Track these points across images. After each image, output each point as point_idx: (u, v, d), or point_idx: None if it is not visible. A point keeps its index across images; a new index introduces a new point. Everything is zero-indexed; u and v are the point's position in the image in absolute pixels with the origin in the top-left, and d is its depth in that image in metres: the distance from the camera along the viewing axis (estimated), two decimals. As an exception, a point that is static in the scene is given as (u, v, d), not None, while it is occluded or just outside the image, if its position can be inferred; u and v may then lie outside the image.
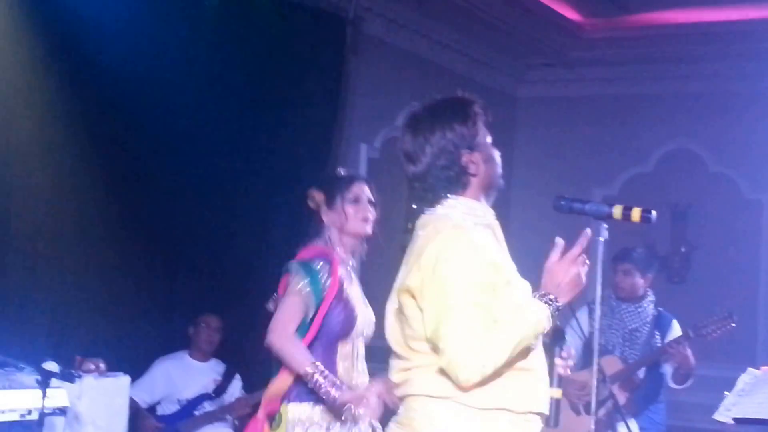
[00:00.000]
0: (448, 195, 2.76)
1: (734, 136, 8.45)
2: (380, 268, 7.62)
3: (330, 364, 3.69)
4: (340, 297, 3.79)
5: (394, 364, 2.78)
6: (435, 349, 2.64)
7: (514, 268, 2.81)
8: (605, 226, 2.80)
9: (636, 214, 2.79)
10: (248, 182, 6.52)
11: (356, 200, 3.76)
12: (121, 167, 5.83)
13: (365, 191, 3.79)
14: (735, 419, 4.16)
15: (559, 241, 2.69)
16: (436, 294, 2.62)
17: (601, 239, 2.78)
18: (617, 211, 2.80)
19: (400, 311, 2.74)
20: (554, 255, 2.68)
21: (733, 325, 5.28)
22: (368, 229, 3.77)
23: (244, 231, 6.53)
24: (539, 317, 2.62)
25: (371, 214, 3.77)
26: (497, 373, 2.62)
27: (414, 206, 9.06)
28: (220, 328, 6.01)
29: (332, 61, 7.01)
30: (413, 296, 2.68)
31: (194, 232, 6.28)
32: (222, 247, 6.40)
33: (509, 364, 2.62)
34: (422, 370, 2.69)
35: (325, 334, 3.74)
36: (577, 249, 2.67)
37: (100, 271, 5.75)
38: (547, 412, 2.76)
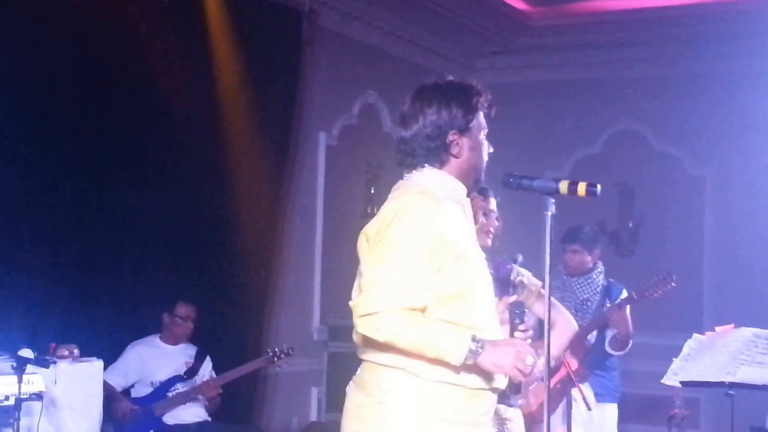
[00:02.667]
0: (426, 165, 2.84)
1: (676, 116, 8.65)
2: (340, 252, 7.92)
3: None
4: None
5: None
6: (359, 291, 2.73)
7: (476, 246, 2.88)
8: (552, 201, 2.86)
9: (581, 188, 2.85)
10: (212, 171, 6.59)
11: (485, 214, 3.71)
12: (93, 157, 5.86)
13: (491, 204, 3.73)
14: (682, 382, 4.27)
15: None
16: (380, 242, 2.70)
17: (549, 213, 2.85)
18: (563, 186, 2.85)
19: (360, 266, 2.82)
20: (524, 345, 2.74)
21: (673, 285, 5.41)
22: (489, 242, 3.69)
23: (210, 219, 6.60)
24: (452, 350, 2.65)
25: (493, 227, 3.72)
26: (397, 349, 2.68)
27: (372, 191, 9.21)
28: (195, 317, 6.05)
29: (289, 54, 7.09)
30: (368, 241, 2.78)
31: (162, 219, 6.34)
32: (190, 234, 6.47)
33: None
34: None
35: None
36: (530, 351, 2.73)
37: (72, 259, 5.79)
38: (502, 387, 2.83)
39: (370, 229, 2.80)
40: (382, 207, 2.85)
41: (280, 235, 7.29)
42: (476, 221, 3.54)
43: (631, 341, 5.40)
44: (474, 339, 2.68)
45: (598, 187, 2.86)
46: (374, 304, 2.65)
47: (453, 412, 2.76)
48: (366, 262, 2.76)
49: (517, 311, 2.87)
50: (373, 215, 9.24)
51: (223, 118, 6.64)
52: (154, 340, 6.04)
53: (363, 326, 2.67)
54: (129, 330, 6.06)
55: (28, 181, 5.57)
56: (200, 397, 5.91)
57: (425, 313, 2.73)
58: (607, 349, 5.45)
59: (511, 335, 2.84)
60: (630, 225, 8.84)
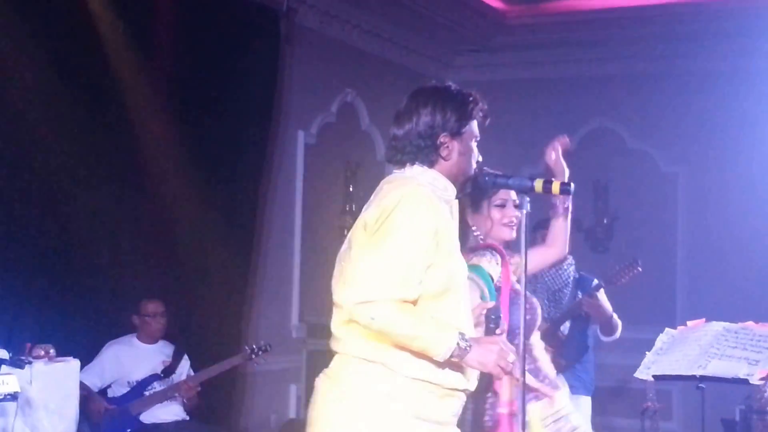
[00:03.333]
0: (416, 163, 2.88)
1: (650, 114, 8.74)
2: (319, 249, 7.95)
3: None
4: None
5: (335, 316, 2.84)
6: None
7: (458, 247, 2.92)
8: (528, 199, 2.92)
9: (556, 186, 2.92)
10: (189, 170, 6.58)
11: (503, 205, 3.64)
12: (67, 157, 5.84)
13: (511, 195, 3.64)
14: (654, 376, 4.30)
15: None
16: (380, 229, 2.72)
17: (524, 212, 2.91)
18: (538, 184, 2.91)
19: (348, 252, 2.82)
20: (507, 343, 2.80)
21: (639, 269, 5.50)
22: (512, 234, 3.62)
23: (187, 217, 6.59)
24: (440, 344, 2.69)
25: (515, 218, 3.61)
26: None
27: (350, 189, 9.21)
28: (164, 311, 6.01)
29: (268, 52, 7.11)
30: (365, 228, 2.78)
31: (139, 218, 6.34)
32: (165, 233, 6.46)
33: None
34: (357, 328, 2.75)
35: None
36: (512, 349, 2.79)
37: (47, 259, 5.78)
38: (472, 389, 2.88)
39: (369, 216, 2.80)
40: (375, 196, 2.86)
41: (259, 233, 7.31)
42: (504, 205, 3.58)
43: (618, 323, 5.44)
44: (462, 337, 2.72)
45: (572, 185, 2.94)
46: (371, 293, 2.66)
47: (425, 411, 2.79)
48: (362, 249, 2.75)
49: (493, 316, 2.91)
50: (351, 212, 9.26)
51: (200, 116, 6.63)
52: (131, 339, 6.01)
53: (358, 314, 2.69)
54: (106, 329, 6.04)
55: (2, 181, 5.54)
56: (178, 395, 5.89)
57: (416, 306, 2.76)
58: (602, 337, 5.55)
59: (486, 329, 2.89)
60: (605, 221, 8.91)
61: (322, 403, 2.84)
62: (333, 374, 2.84)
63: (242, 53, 6.80)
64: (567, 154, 3.79)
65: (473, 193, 3.53)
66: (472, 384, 2.87)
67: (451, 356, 2.72)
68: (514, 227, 3.59)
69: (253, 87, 6.94)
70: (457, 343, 2.71)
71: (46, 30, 5.65)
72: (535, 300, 3.65)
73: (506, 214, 3.60)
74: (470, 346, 2.72)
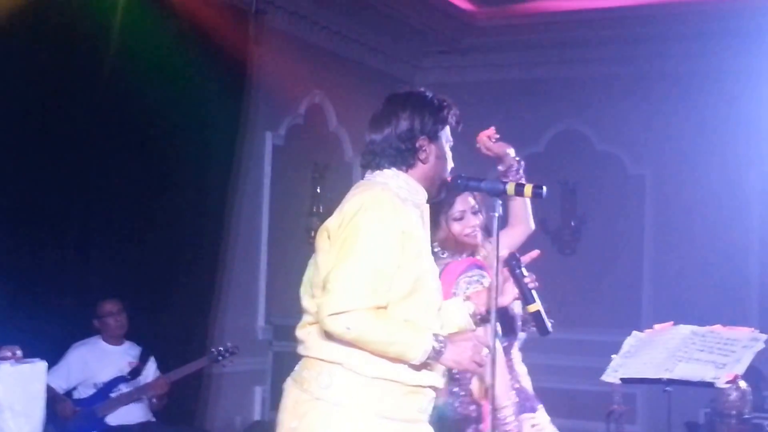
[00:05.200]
0: (392, 167, 2.91)
1: (618, 116, 8.78)
2: (286, 251, 7.91)
3: None
4: None
5: (302, 318, 2.88)
6: (324, 288, 2.74)
7: (429, 252, 2.93)
8: (500, 202, 2.92)
9: (528, 190, 2.93)
10: (157, 171, 6.56)
11: (461, 217, 3.60)
12: (35, 158, 5.81)
13: (468, 203, 3.61)
14: (622, 379, 4.28)
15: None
16: (346, 236, 2.74)
17: (496, 215, 2.91)
18: (511, 188, 2.92)
19: (315, 259, 2.86)
20: (480, 338, 2.81)
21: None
22: (477, 239, 3.60)
23: (155, 218, 6.57)
24: (416, 348, 2.71)
25: (478, 222, 3.60)
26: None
27: (318, 190, 9.21)
28: (123, 309, 5.98)
29: (236, 54, 7.06)
30: (329, 236, 2.81)
31: (106, 220, 6.30)
32: (133, 234, 6.43)
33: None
34: (318, 330, 2.79)
35: None
36: (487, 343, 2.82)
37: (14, 260, 5.74)
38: (440, 385, 2.90)
39: (332, 222, 2.83)
40: (343, 202, 2.88)
41: (225, 234, 7.27)
42: (463, 218, 3.57)
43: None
44: (437, 338, 2.75)
45: (544, 189, 2.93)
46: (343, 304, 2.69)
47: (390, 409, 2.80)
48: (330, 258, 2.77)
49: (514, 261, 2.95)
50: (318, 214, 9.27)
51: (167, 117, 6.58)
52: (97, 341, 5.99)
53: (332, 325, 2.70)
54: (72, 331, 6.00)
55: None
56: (144, 397, 5.88)
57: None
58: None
59: (519, 288, 2.95)
60: (572, 224, 8.95)
61: (290, 408, 2.86)
62: (299, 378, 2.87)
63: (211, 54, 6.76)
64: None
65: (432, 211, 3.42)
66: (437, 380, 2.88)
67: (428, 358, 2.74)
68: (477, 234, 3.59)
69: (222, 88, 6.91)
70: (432, 346, 2.73)
71: (12, 29, 5.61)
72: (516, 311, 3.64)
73: (467, 225, 3.60)
74: (444, 347, 2.75)
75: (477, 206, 3.63)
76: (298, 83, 8.08)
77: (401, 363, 2.76)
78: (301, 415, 2.81)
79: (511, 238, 3.76)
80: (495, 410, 3.45)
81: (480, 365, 2.80)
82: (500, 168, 3.77)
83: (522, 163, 3.76)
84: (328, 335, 2.75)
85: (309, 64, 8.13)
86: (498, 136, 3.78)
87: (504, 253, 2.97)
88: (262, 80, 7.54)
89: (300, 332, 2.88)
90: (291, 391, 2.88)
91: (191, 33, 6.63)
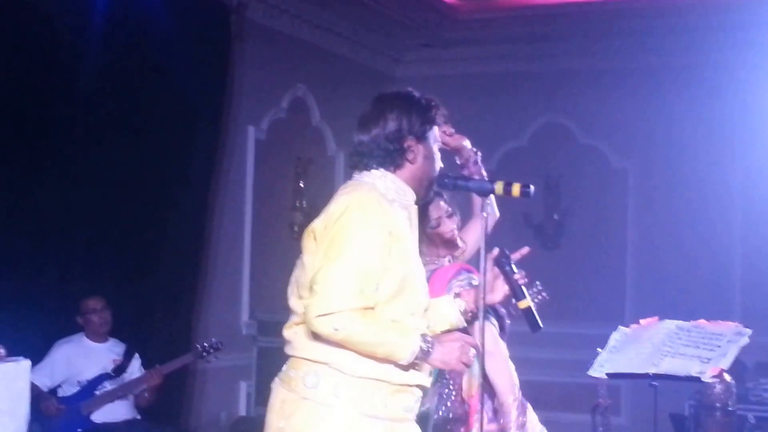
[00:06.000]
0: (380, 168, 2.91)
1: (601, 110, 8.79)
2: (270, 246, 7.89)
3: None
4: None
5: (289, 319, 2.89)
6: (310, 289, 2.75)
7: (416, 253, 2.95)
8: (489, 201, 2.95)
9: (516, 189, 2.93)
10: (139, 167, 6.52)
11: (438, 225, 3.62)
12: (16, 156, 5.78)
13: (442, 208, 3.63)
14: (608, 374, 4.30)
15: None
16: (333, 237, 2.75)
17: (485, 215, 2.94)
18: (499, 187, 2.94)
19: (301, 259, 2.87)
20: (467, 339, 2.82)
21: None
22: (458, 242, 3.61)
23: (137, 214, 6.53)
24: (403, 349, 2.73)
25: (454, 225, 3.62)
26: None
27: (301, 185, 9.19)
28: (107, 306, 5.96)
29: (218, 48, 7.06)
30: (315, 238, 2.82)
31: (89, 217, 6.27)
32: (116, 230, 6.40)
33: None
34: (305, 330, 2.80)
35: None
36: (474, 343, 2.83)
37: None
38: (427, 384, 2.91)
39: (318, 224, 2.84)
40: (330, 202, 2.88)
41: (209, 229, 7.26)
42: (440, 224, 3.57)
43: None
44: (424, 338, 2.77)
45: (532, 188, 2.94)
46: (332, 304, 2.69)
47: (376, 408, 2.81)
48: (317, 259, 2.78)
49: (504, 258, 2.94)
50: (301, 208, 9.25)
51: (150, 112, 6.56)
52: (81, 338, 5.97)
53: (320, 326, 2.71)
54: (55, 329, 5.98)
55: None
56: (129, 394, 5.87)
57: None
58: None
59: (509, 285, 2.94)
60: (555, 217, 8.95)
61: (278, 408, 2.87)
62: (285, 378, 2.88)
63: (192, 49, 6.73)
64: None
65: None
66: (424, 379, 2.89)
67: (415, 359, 2.76)
68: (457, 235, 3.59)
69: (203, 83, 6.89)
70: (420, 346, 2.75)
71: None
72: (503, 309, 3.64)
73: (445, 230, 3.60)
74: (432, 347, 2.76)
75: (450, 209, 3.65)
76: (281, 77, 8.07)
77: (389, 363, 2.77)
78: (288, 415, 2.82)
79: (478, 230, 3.75)
80: (500, 405, 3.49)
81: (467, 365, 2.83)
82: (458, 161, 3.75)
83: (479, 153, 3.75)
84: (316, 336, 2.76)
85: (291, 58, 8.11)
86: (453, 130, 3.75)
87: (494, 250, 2.97)
88: (244, 74, 7.53)
89: (287, 332, 2.88)
90: (278, 391, 2.89)
91: (173, 27, 6.59)
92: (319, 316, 2.70)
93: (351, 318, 2.70)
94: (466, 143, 3.78)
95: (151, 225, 6.65)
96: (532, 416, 3.70)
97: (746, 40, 8.20)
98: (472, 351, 2.81)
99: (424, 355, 2.75)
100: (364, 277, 2.72)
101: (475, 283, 3.41)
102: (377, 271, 2.75)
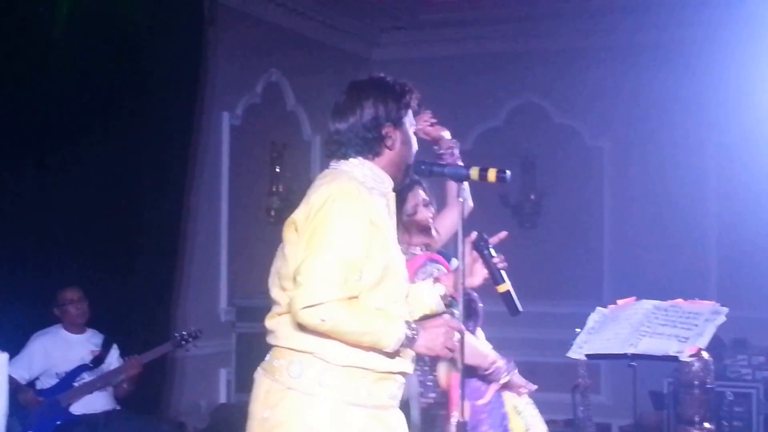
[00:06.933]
0: (358, 156, 2.90)
1: (575, 89, 8.79)
2: (247, 231, 7.85)
3: None
4: None
5: (271, 309, 2.89)
6: (294, 281, 2.74)
7: (395, 241, 2.95)
8: (464, 187, 2.94)
9: (492, 174, 2.91)
10: (113, 155, 6.48)
11: (414, 212, 3.62)
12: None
13: (419, 195, 3.62)
14: (587, 356, 4.32)
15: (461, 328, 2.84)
16: (315, 228, 2.75)
17: (461, 200, 2.92)
18: (474, 172, 2.92)
19: (282, 250, 2.86)
20: (450, 323, 2.83)
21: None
22: (433, 232, 3.61)
23: (113, 204, 6.51)
24: (389, 337, 2.74)
25: (431, 214, 3.62)
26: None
27: (277, 170, 9.17)
28: (84, 297, 5.93)
29: (191, 33, 7.00)
30: (296, 229, 2.81)
31: (64, 207, 6.24)
32: (91, 220, 6.37)
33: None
34: (288, 320, 2.80)
35: None
36: (458, 327, 2.83)
37: None
38: (410, 371, 2.91)
39: (299, 215, 2.83)
40: (309, 192, 2.87)
41: (185, 216, 7.23)
42: (416, 212, 3.57)
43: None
44: (409, 326, 2.78)
45: (508, 173, 2.93)
46: (317, 295, 2.69)
47: (361, 396, 2.81)
48: (299, 250, 2.77)
49: (482, 242, 2.94)
50: (278, 193, 9.22)
51: (123, 100, 6.51)
52: (58, 330, 5.94)
53: (307, 317, 2.71)
54: (33, 321, 5.94)
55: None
56: (109, 385, 5.85)
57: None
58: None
59: (488, 269, 2.94)
60: (532, 197, 8.96)
61: (262, 398, 2.87)
62: (269, 367, 2.87)
63: (165, 35, 6.69)
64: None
65: None
66: (408, 366, 2.89)
67: (401, 346, 2.77)
68: (432, 224, 3.59)
69: (177, 69, 6.85)
70: (405, 333, 2.76)
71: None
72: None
73: (421, 218, 3.60)
74: (417, 334, 2.78)
75: (427, 198, 3.65)
76: (254, 62, 8.04)
77: (374, 351, 2.78)
78: (273, 405, 2.82)
79: (452, 218, 3.75)
80: (484, 370, 3.51)
81: (452, 350, 2.83)
82: (437, 149, 3.76)
83: (458, 143, 3.78)
84: (301, 326, 2.76)
85: (265, 42, 8.07)
86: (435, 120, 3.75)
87: (472, 234, 2.97)
88: (218, 60, 7.49)
89: (270, 322, 2.88)
90: (262, 381, 2.88)
91: (144, 13, 6.55)
92: (306, 307, 2.69)
93: (337, 308, 2.70)
94: (446, 134, 3.80)
95: (127, 214, 6.61)
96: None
97: (720, 18, 8.21)
98: (457, 336, 2.82)
99: (410, 342, 2.77)
100: (348, 267, 2.72)
101: (441, 273, 3.40)
102: (360, 260, 2.75)
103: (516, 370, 3.79)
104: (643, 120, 8.59)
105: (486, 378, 3.66)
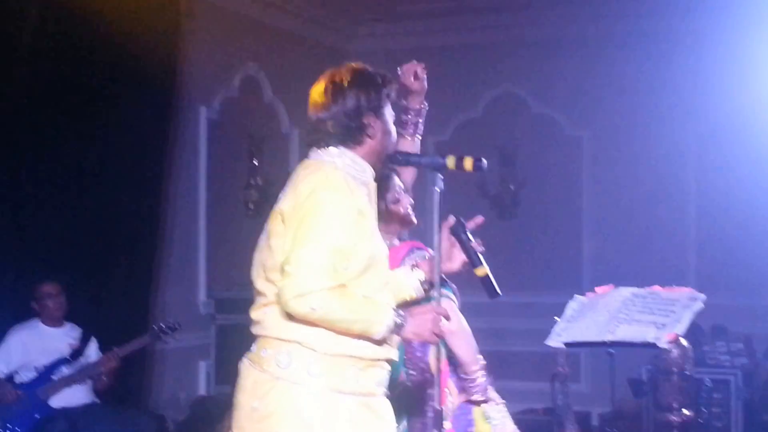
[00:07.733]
0: (339, 146, 2.91)
1: (553, 79, 8.79)
2: (224, 223, 7.83)
3: None
4: None
5: (255, 300, 2.90)
6: (282, 271, 2.75)
7: (377, 229, 2.95)
8: (440, 176, 2.93)
9: (468, 163, 2.93)
10: (91, 150, 6.49)
11: (398, 200, 3.59)
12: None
13: (397, 183, 3.60)
14: (566, 344, 4.27)
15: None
16: (303, 218, 2.76)
17: (437, 189, 2.92)
18: (451, 161, 2.93)
19: (267, 242, 2.87)
20: (438, 309, 2.85)
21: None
22: (413, 219, 3.60)
23: (90, 197, 6.51)
24: (378, 324, 2.76)
25: (410, 202, 3.59)
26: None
27: (255, 163, 9.15)
28: (62, 291, 5.94)
29: (167, 27, 6.97)
30: (283, 220, 2.82)
31: (39, 200, 6.24)
32: (68, 213, 6.37)
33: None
34: (275, 310, 2.81)
35: None
36: (445, 313, 2.85)
37: None
38: (395, 358, 2.94)
39: (285, 205, 2.84)
40: (290, 183, 2.87)
41: (163, 210, 7.21)
42: (396, 200, 3.55)
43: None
44: (397, 313, 2.81)
45: (484, 162, 2.95)
46: (307, 284, 2.71)
47: (349, 384, 2.83)
48: (286, 241, 2.78)
49: (460, 227, 2.94)
50: (257, 187, 9.23)
51: (100, 95, 6.50)
52: (36, 323, 5.95)
53: (297, 306, 2.72)
54: (10, 315, 5.94)
55: None
56: (87, 379, 5.86)
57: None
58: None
59: (465, 253, 2.95)
60: (511, 188, 8.98)
61: (250, 389, 2.87)
62: (256, 358, 2.88)
63: (141, 29, 6.64)
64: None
65: None
66: (393, 352, 2.91)
67: (390, 333, 2.80)
68: (412, 211, 3.58)
69: (153, 63, 6.79)
70: (394, 320, 2.79)
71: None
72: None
73: (403, 206, 3.59)
74: (405, 320, 2.81)
75: (404, 185, 3.63)
76: (231, 56, 8.02)
77: (362, 339, 2.79)
78: (262, 395, 2.83)
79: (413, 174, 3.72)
80: (465, 375, 3.52)
81: (440, 336, 2.86)
82: (404, 104, 3.67)
83: (426, 106, 3.72)
84: (290, 316, 2.77)
85: (242, 35, 8.06)
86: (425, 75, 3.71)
87: (450, 218, 2.98)
88: (194, 54, 7.44)
89: (255, 313, 2.89)
90: (249, 372, 2.88)
91: (120, 6, 6.51)
92: (296, 296, 2.71)
93: (327, 297, 2.71)
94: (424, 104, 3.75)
95: (105, 207, 6.60)
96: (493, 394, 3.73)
97: (698, 7, 8.24)
98: (444, 321, 2.85)
99: (398, 328, 2.80)
100: (336, 256, 2.74)
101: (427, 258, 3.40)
102: (348, 248, 2.77)
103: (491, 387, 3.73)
104: (622, 109, 8.61)
105: (461, 380, 3.65)
